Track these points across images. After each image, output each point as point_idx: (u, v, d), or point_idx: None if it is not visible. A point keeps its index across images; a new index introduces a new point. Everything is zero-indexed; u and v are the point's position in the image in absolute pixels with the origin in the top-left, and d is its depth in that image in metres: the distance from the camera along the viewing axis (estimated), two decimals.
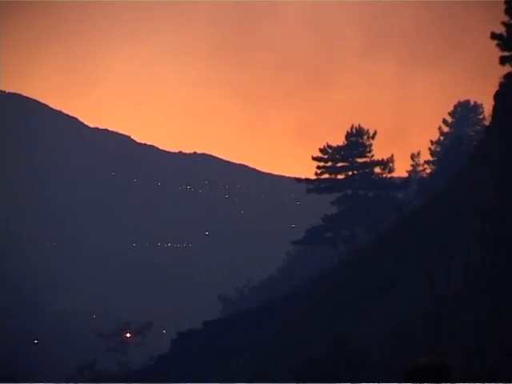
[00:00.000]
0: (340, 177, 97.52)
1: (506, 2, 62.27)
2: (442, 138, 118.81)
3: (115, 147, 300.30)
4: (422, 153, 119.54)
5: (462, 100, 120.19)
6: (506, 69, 62.05)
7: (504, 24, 62.24)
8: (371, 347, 53.03)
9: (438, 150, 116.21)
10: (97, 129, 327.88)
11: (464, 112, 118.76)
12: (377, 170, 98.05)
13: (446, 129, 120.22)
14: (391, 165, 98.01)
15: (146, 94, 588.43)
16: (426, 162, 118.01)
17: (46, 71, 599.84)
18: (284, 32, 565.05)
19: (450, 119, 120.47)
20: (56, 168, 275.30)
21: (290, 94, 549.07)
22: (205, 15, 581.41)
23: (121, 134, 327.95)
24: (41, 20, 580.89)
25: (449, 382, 6.73)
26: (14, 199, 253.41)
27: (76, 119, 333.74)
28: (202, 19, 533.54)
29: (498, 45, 62.46)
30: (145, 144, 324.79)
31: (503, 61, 62.30)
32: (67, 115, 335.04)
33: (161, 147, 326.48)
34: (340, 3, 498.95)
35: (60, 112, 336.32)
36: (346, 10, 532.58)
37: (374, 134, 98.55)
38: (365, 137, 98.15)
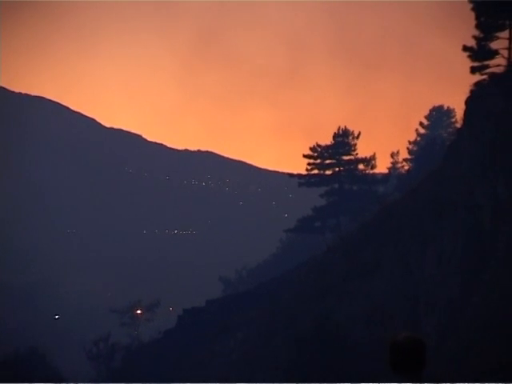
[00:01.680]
0: (328, 172, 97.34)
1: (476, 18, 62.27)
2: (418, 138, 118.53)
3: (128, 145, 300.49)
4: (400, 152, 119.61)
5: (436, 105, 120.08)
6: (476, 77, 62.15)
7: (475, 38, 62.22)
8: (355, 324, 53.04)
9: (415, 149, 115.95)
10: (112, 128, 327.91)
11: (438, 116, 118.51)
12: (360, 166, 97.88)
13: (422, 130, 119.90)
14: (373, 162, 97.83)
15: (155, 96, 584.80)
16: (405, 159, 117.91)
17: (62, 75, 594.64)
18: (263, 40, 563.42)
19: (425, 122, 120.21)
20: (76, 164, 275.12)
21: (269, 97, 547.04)
22: (197, 27, 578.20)
23: (133, 134, 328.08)
24: (47, 22, 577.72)
25: (424, 354, 6.69)
26: (44, 192, 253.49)
27: (94, 120, 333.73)
28: (194, 29, 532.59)
29: (469, 56, 62.42)
30: (155, 142, 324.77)
31: (473, 70, 62.37)
32: (86, 116, 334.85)
33: (169, 145, 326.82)
34: (313, 14, 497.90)
35: (80, 114, 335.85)
36: (320, 21, 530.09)
37: (359, 134, 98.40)
38: (350, 137, 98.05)
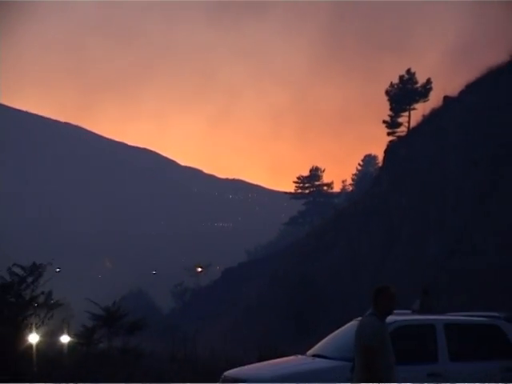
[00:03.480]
0: (306, 191, 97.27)
1: (390, 105, 62.68)
2: (357, 172, 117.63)
3: (192, 176, 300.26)
4: (347, 179, 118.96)
5: (367, 153, 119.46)
6: (390, 138, 62.47)
7: (389, 116, 62.71)
8: (322, 277, 52.47)
9: (355, 178, 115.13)
10: (187, 167, 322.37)
11: (368, 160, 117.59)
12: (325, 188, 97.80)
13: (359, 168, 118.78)
14: (332, 185, 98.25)
15: (203, 143, 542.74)
16: (350, 184, 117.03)
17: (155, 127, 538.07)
18: (255, 114, 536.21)
19: (361, 163, 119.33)
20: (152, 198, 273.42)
21: (259, 151, 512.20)
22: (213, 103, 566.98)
23: (193, 168, 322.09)
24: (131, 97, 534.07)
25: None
26: (116, 210, 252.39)
27: (173, 161, 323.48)
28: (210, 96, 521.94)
29: (386, 126, 62.75)
30: (210, 174, 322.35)
31: (388, 134, 62.76)
32: (163, 157, 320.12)
33: (218, 175, 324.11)
34: (284, 100, 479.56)
35: (158, 154, 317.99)
36: (289, 103, 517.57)
37: (324, 170, 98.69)
38: (319, 171, 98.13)
